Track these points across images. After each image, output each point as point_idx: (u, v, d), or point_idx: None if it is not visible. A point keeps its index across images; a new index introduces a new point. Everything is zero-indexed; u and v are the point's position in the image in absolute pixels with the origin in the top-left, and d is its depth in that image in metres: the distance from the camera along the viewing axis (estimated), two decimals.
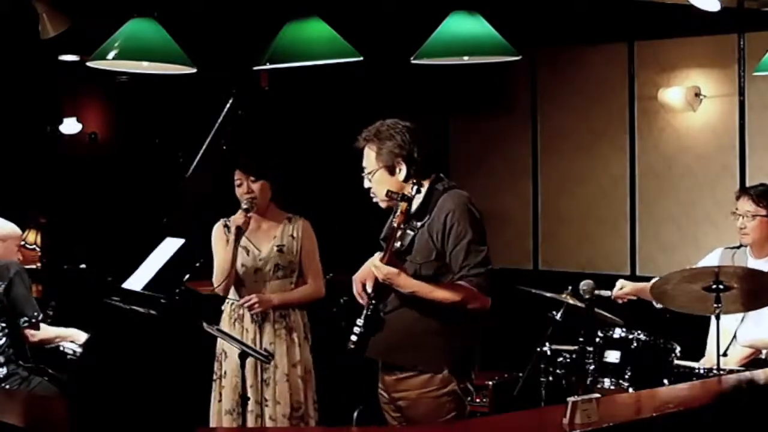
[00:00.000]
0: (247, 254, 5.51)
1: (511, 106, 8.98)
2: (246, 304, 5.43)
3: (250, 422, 5.33)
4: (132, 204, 8.54)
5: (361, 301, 4.45)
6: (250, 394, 5.33)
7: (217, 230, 5.58)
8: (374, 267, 4.30)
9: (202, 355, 5.54)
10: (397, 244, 4.31)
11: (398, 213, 4.26)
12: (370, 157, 4.42)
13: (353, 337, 4.36)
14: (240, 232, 5.40)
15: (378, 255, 4.36)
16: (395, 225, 4.27)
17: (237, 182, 5.50)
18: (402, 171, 4.38)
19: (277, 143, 7.90)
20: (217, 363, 5.49)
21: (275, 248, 5.50)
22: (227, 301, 5.55)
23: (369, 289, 4.40)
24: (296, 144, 8.21)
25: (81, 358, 5.65)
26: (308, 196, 6.10)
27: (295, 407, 5.45)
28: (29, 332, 5.64)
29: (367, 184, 4.46)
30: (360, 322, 4.38)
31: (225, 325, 5.49)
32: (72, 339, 5.81)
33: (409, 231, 4.34)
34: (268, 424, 5.37)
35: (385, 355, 4.43)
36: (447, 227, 4.28)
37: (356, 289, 4.49)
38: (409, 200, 4.24)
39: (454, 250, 4.27)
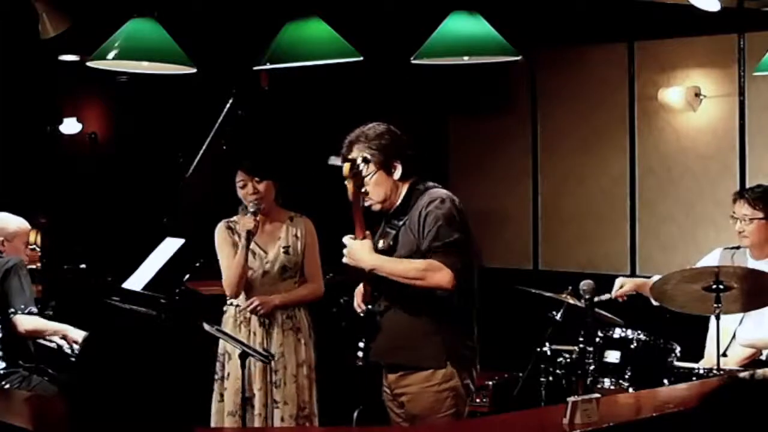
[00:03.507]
0: (254, 257, 5.48)
1: (511, 106, 8.97)
2: (249, 308, 5.41)
3: (257, 424, 5.32)
4: (132, 204, 8.55)
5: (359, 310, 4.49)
6: (256, 396, 5.33)
7: (222, 232, 5.52)
8: (345, 246, 4.31)
9: (202, 355, 5.54)
10: (380, 243, 4.34)
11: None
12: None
13: (360, 353, 4.39)
14: (250, 236, 5.37)
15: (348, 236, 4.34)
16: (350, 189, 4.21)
17: (240, 183, 5.44)
18: (398, 170, 4.39)
19: (279, 143, 7.90)
20: (219, 363, 5.46)
21: (281, 250, 5.49)
22: (229, 303, 5.53)
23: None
24: (296, 144, 8.21)
25: (80, 358, 5.66)
26: (308, 195, 6.09)
27: (301, 407, 5.46)
28: (17, 321, 5.57)
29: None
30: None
31: (229, 328, 5.44)
32: (64, 334, 5.73)
33: (390, 230, 4.38)
34: (277, 425, 5.36)
35: (387, 357, 4.45)
36: (421, 219, 4.30)
37: (357, 300, 4.50)
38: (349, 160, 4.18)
39: (426, 234, 4.28)
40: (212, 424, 5.40)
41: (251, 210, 5.37)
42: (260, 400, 5.36)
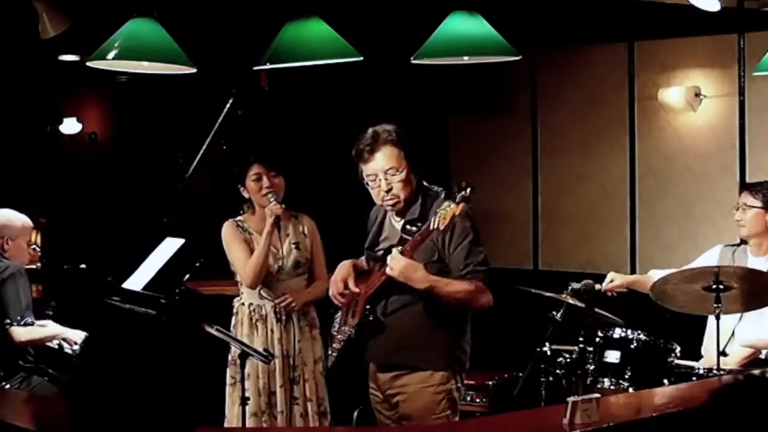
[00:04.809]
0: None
1: (511, 106, 8.98)
2: (282, 304, 5.41)
3: (279, 422, 5.33)
4: (132, 204, 8.55)
5: (338, 301, 4.48)
6: (278, 394, 5.33)
7: (231, 229, 5.49)
8: (393, 259, 4.21)
9: (202, 355, 5.54)
10: (396, 250, 4.25)
11: (446, 217, 4.12)
12: (394, 156, 4.34)
13: (333, 353, 4.40)
14: (278, 221, 5.38)
15: (397, 249, 4.26)
16: (441, 228, 4.13)
17: (254, 177, 5.42)
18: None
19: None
20: (234, 367, 5.38)
21: (292, 245, 5.50)
22: (241, 303, 5.52)
23: (352, 286, 4.41)
24: (297, 143, 8.22)
25: (80, 358, 5.66)
26: (308, 195, 6.10)
27: (319, 403, 5.48)
28: (13, 333, 5.54)
29: (386, 185, 4.35)
30: (339, 336, 4.42)
31: (244, 327, 5.44)
32: (63, 337, 5.72)
33: (406, 236, 4.32)
34: (300, 422, 5.37)
35: (387, 358, 4.44)
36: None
37: (336, 290, 4.48)
38: (467, 200, 4.20)
39: (456, 250, 4.30)
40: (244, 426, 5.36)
41: (272, 199, 5.37)
42: (281, 398, 5.36)
